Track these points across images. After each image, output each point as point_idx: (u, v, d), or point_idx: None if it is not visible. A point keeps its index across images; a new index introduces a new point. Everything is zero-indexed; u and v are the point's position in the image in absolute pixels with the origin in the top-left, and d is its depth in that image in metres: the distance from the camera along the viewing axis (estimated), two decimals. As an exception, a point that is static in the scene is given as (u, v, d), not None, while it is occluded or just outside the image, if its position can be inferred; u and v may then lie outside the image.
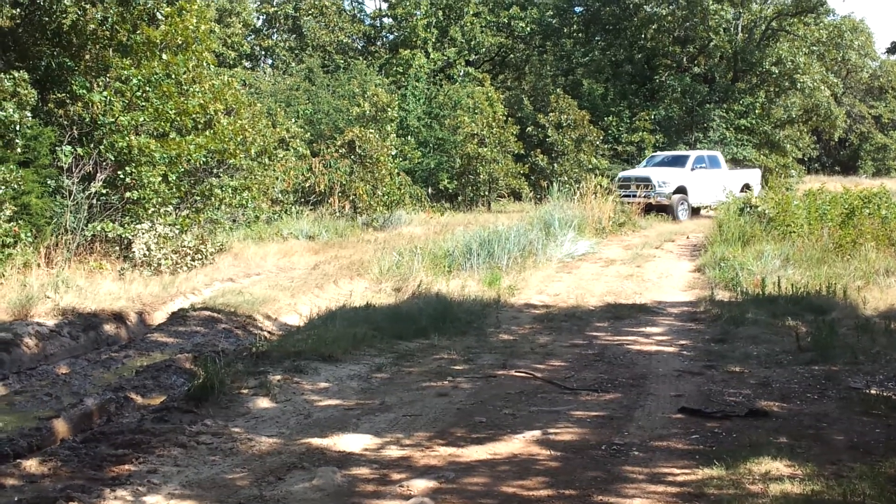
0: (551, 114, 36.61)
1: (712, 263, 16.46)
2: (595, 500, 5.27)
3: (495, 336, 11.10)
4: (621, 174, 30.71)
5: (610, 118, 39.24)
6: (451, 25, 43.30)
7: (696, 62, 43.42)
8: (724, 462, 5.71)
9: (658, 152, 34.79)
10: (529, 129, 37.75)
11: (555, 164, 35.56)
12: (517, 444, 6.44)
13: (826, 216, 18.53)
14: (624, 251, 19.73)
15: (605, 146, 37.88)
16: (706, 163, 30.03)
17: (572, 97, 37.60)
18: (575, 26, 45.71)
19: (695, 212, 29.37)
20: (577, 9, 45.62)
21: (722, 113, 40.22)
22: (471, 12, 43.50)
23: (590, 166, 35.10)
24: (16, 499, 5.37)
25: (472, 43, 43.83)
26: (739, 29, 41.34)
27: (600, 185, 26.06)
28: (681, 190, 28.53)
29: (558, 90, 38.64)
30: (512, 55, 47.64)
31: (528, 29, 44.84)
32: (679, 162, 30.04)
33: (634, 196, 27.61)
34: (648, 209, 27.62)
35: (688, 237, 22.64)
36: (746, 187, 29.09)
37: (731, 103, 40.68)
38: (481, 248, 16.81)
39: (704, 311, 12.42)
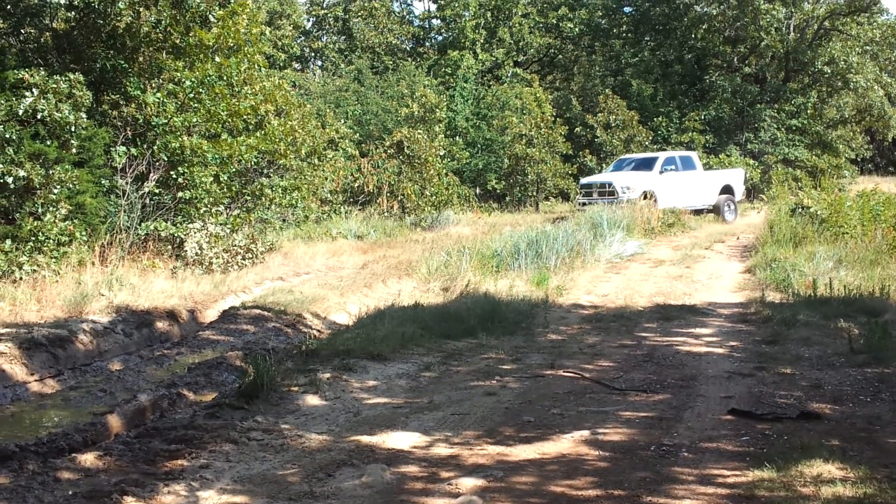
0: (600, 114, 36.48)
1: (763, 264, 16.30)
2: (644, 500, 5.25)
3: (543, 336, 11.09)
4: (583, 180, 29.09)
5: (659, 118, 38.99)
6: (499, 26, 43.27)
7: (746, 62, 42.96)
8: (774, 464, 5.66)
9: (628, 155, 32.41)
10: (578, 129, 37.65)
11: (603, 165, 35.39)
12: (565, 444, 6.44)
13: (879, 217, 18.27)
14: (673, 252, 19.60)
15: (655, 146, 37.64)
16: (677, 165, 27.67)
17: (621, 97, 37.44)
18: (624, 26, 45.48)
19: None
20: (627, 9, 45.40)
21: (773, 113, 39.78)
22: (519, 13, 43.46)
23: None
24: (71, 492, 5.46)
25: (521, 44, 43.78)
26: (791, 28, 40.83)
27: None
28: (648, 196, 25.97)
29: (607, 90, 38.48)
30: (560, 56, 47.51)
31: (577, 29, 44.67)
32: (647, 165, 27.86)
33: (596, 203, 25.69)
34: None
35: (738, 238, 22.44)
36: (727, 190, 28.16)
37: (782, 103, 40.22)
38: (529, 249, 16.80)
39: (755, 312, 12.30)
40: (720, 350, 10.02)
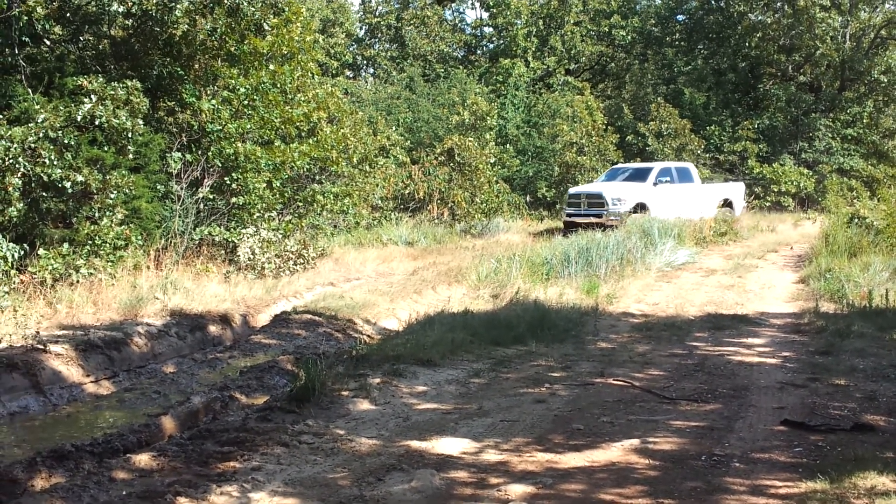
0: (652, 122, 36.25)
1: (817, 275, 16.10)
2: (694, 509, 5.23)
3: (593, 344, 11.05)
4: (571, 190, 27.47)
5: (712, 127, 38.62)
6: (551, 34, 43.18)
7: (801, 71, 42.41)
8: (827, 476, 5.61)
9: (621, 164, 30.96)
10: (629, 137, 37.43)
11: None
12: (615, 452, 6.43)
13: (938, 228, 17.96)
14: (725, 261, 19.42)
15: (707, 155, 37.30)
16: (673, 176, 26.18)
17: (673, 106, 37.17)
18: (677, 34, 45.15)
19: None
20: (680, 17, 45.06)
21: (828, 122, 39.21)
22: (571, 21, 43.32)
23: (692, 176, 34.62)
24: (125, 492, 5.55)
25: (573, 52, 43.63)
26: (847, 37, 40.23)
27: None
28: (640, 208, 24.60)
29: (659, 99, 38.23)
30: (612, 64, 47.30)
31: (629, 37, 44.43)
32: (641, 176, 26.22)
33: (583, 215, 24.77)
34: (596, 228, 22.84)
35: (791, 248, 22.18)
36: (727, 203, 26.96)
37: (837, 112, 39.63)
38: (579, 257, 16.76)
39: (808, 322, 12.16)
40: (773, 360, 9.93)
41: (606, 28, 44.39)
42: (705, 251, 21.22)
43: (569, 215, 25.62)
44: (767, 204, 35.03)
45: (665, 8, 44.81)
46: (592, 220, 24.03)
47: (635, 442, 6.65)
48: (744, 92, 42.14)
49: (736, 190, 28.04)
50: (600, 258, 16.77)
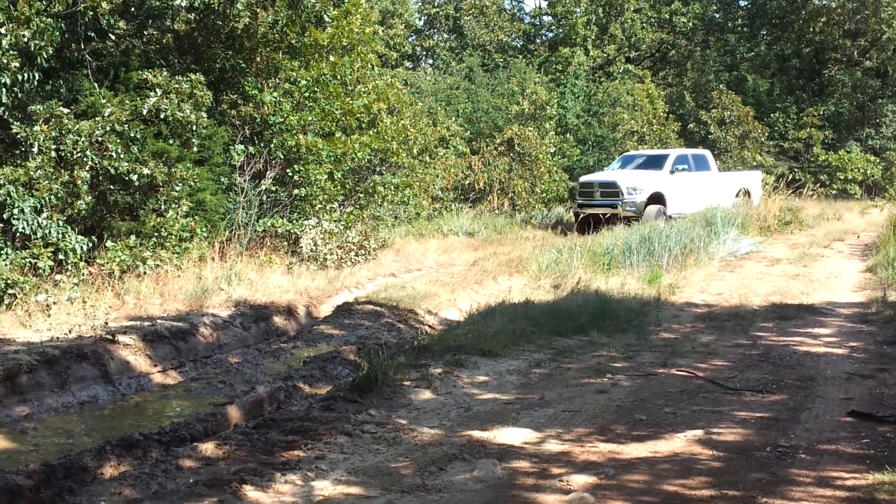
0: (714, 110, 35.84)
1: (885, 263, 15.79)
2: (759, 501, 5.17)
3: (655, 334, 10.99)
4: (582, 178, 26.06)
5: (776, 114, 38.08)
6: (611, 22, 42.85)
7: (867, 55, 41.60)
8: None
9: (633, 151, 29.64)
10: (691, 125, 37.06)
11: (718, 162, 34.76)
12: (678, 443, 6.39)
13: None
14: (790, 250, 19.15)
15: (771, 143, 36.81)
16: (690, 164, 24.89)
17: (736, 93, 36.72)
18: (739, 20, 44.54)
19: None
20: (742, 2, 44.48)
21: (895, 108, 38.44)
22: (631, 8, 42.94)
23: (754, 163, 34.20)
24: (192, 480, 5.65)
25: (633, 39, 43.26)
26: (915, 20, 39.42)
27: (765, 183, 25.26)
28: (656, 198, 23.52)
29: (721, 86, 37.79)
30: (673, 51, 46.80)
31: (691, 24, 43.93)
32: (656, 163, 24.88)
33: (597, 205, 23.74)
34: (611, 220, 22.43)
35: (858, 236, 21.81)
36: (744, 193, 25.74)
37: (905, 98, 38.88)
38: (641, 246, 16.65)
39: (876, 312, 11.97)
40: (839, 350, 9.79)
41: (667, 15, 43.92)
42: (769, 240, 20.94)
43: (580, 205, 24.61)
44: (833, 192, 34.48)
45: (727, -7, 44.25)
46: (606, 210, 23.18)
47: (699, 433, 6.60)
48: (808, 78, 41.46)
49: (753, 179, 26.90)
50: (663, 248, 16.64)
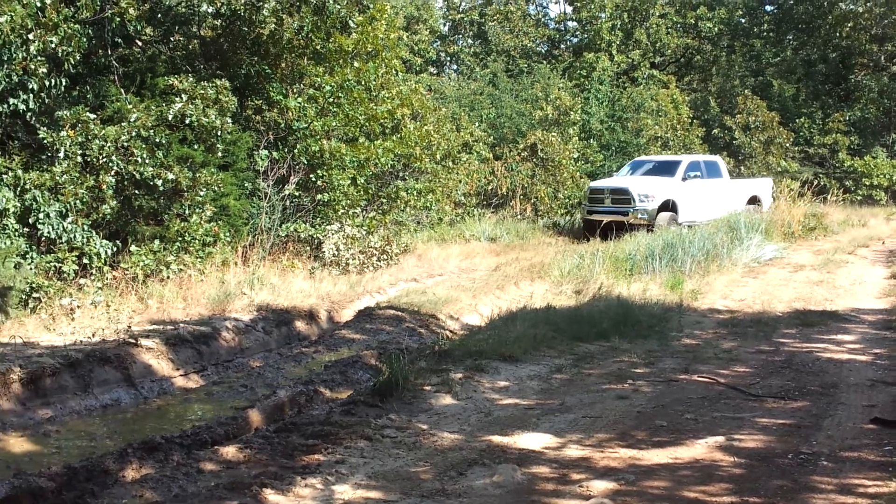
0: (739, 116, 35.67)
1: (910, 270, 15.70)
2: (779, 508, 5.17)
3: (677, 340, 10.95)
4: (592, 184, 25.25)
5: (801, 120, 37.85)
6: (636, 28, 42.74)
7: (894, 61, 41.27)
8: (918, 476, 5.50)
9: (641, 157, 28.72)
10: (716, 131, 36.91)
11: (742, 167, 34.60)
12: (699, 450, 6.37)
13: None
14: (814, 256, 19.03)
15: (796, 148, 36.58)
16: (702, 171, 24.25)
17: (761, 98, 36.52)
18: (765, 25, 44.32)
19: None
20: (768, 7, 44.26)
21: (923, 114, 38.19)
22: (656, 14, 42.82)
23: (779, 169, 34.01)
24: (213, 483, 5.69)
25: (658, 45, 43.12)
26: (942, 26, 39.11)
27: (790, 189, 25.10)
28: (668, 205, 22.91)
29: (746, 91, 37.59)
30: (698, 56, 46.60)
31: (716, 29, 43.74)
32: (667, 169, 24.19)
33: (607, 212, 22.93)
34: (621, 228, 21.47)
35: (883, 242, 21.65)
36: (755, 200, 25.17)
37: (932, 103, 38.54)
38: (664, 252, 16.58)
39: (901, 319, 11.89)
40: (863, 357, 9.73)
41: (692, 20, 43.77)
42: (793, 246, 20.80)
43: (589, 212, 23.76)
44: (859, 198, 34.21)
45: (753, -2, 44.03)
46: (617, 217, 22.38)
47: (720, 439, 6.58)
48: (834, 83, 41.19)
49: (764, 186, 26.30)
50: (685, 254, 16.57)
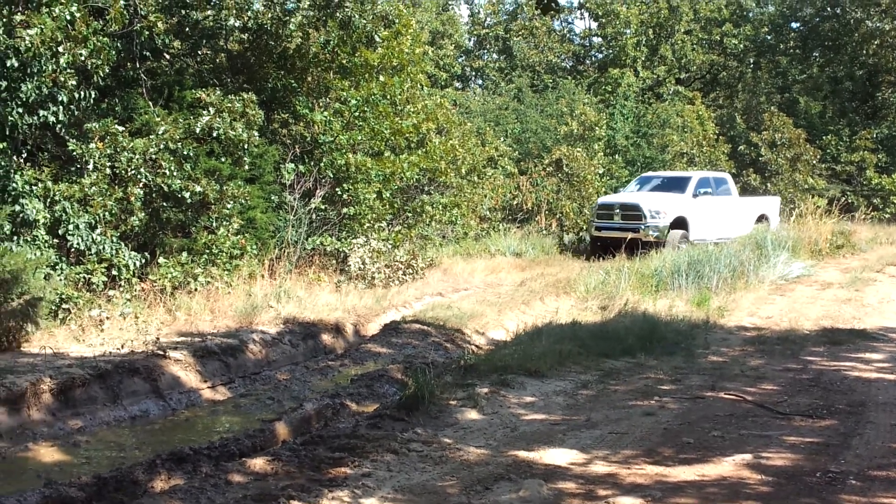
0: (765, 132, 35.52)
1: (940, 289, 15.56)
2: (808, 527, 5.14)
3: (704, 357, 10.91)
4: (601, 200, 24.53)
5: (828, 137, 37.63)
6: (661, 44, 42.69)
7: (922, 78, 41.05)
8: (948, 496, 5.46)
9: (649, 172, 28.13)
10: (741, 147, 36.76)
11: (768, 184, 34.42)
12: (726, 467, 6.34)
13: None
14: (842, 274, 18.88)
15: (823, 165, 36.36)
16: (712, 187, 23.65)
17: (787, 115, 36.36)
18: (791, 42, 44.14)
19: None
20: (794, 24, 44.05)
21: (951, 132, 37.83)
22: (682, 30, 42.74)
23: (805, 186, 33.81)
24: (241, 495, 5.71)
25: (683, 61, 43.05)
26: (971, 42, 38.78)
27: (817, 206, 24.94)
28: (680, 223, 22.31)
29: (773, 108, 37.44)
30: (724, 73, 46.49)
31: (742, 46, 43.62)
32: (677, 185, 23.60)
33: (616, 228, 22.39)
34: (627, 245, 20.38)
35: (913, 260, 21.45)
36: (763, 219, 24.65)
37: (960, 121, 38.23)
38: (690, 269, 16.52)
39: (930, 338, 11.79)
40: (892, 376, 9.66)
41: (718, 36, 43.67)
42: (821, 264, 20.64)
43: (598, 228, 23.18)
44: (887, 216, 33.93)
45: (779, 15, 43.83)
46: (626, 234, 21.54)
47: (747, 457, 6.55)
48: (861, 100, 40.94)
49: (771, 204, 25.87)
50: (712, 270, 16.50)
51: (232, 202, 14.40)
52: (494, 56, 46.34)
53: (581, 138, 30.91)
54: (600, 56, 45.55)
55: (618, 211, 22.85)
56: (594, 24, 46.05)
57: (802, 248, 21.15)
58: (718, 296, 15.39)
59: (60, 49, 11.95)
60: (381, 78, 18.97)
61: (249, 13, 16.09)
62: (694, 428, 7.46)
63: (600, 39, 45.52)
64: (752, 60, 44.79)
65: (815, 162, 35.11)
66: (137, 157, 13.28)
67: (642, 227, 21.96)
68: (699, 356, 10.96)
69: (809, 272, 18.79)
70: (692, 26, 43.41)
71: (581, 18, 48.48)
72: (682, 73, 44.07)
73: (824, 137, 37.46)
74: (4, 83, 11.41)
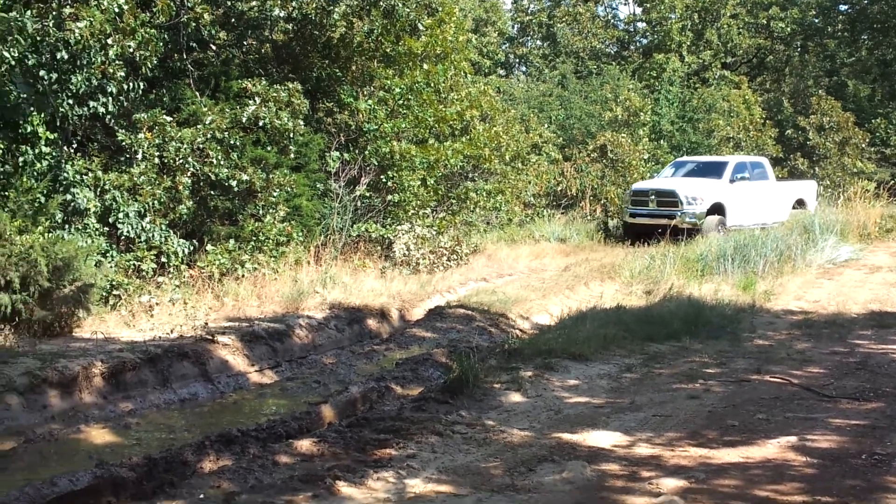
0: (813, 116, 35.09)
1: None
2: (852, 508, 5.13)
3: (749, 341, 10.85)
4: (635, 186, 23.93)
5: (877, 120, 37.10)
6: (706, 28, 42.28)
7: (973, 60, 40.29)
8: None
9: (685, 157, 27.46)
10: (789, 132, 36.36)
11: (816, 168, 34.01)
12: (771, 449, 6.33)
13: None
14: (891, 258, 18.64)
15: (872, 149, 35.85)
16: (749, 172, 23.08)
17: (836, 99, 35.88)
18: (839, 25, 43.51)
19: None
20: (842, 7, 43.41)
21: None
22: (728, 14, 42.29)
23: (854, 170, 33.36)
24: (288, 475, 5.80)
25: (729, 45, 42.60)
26: None
27: (866, 190, 24.60)
28: (716, 209, 21.81)
29: (821, 92, 36.96)
30: (771, 57, 45.92)
31: (789, 29, 43.06)
32: (714, 170, 23.07)
33: (652, 215, 22.03)
34: (663, 232, 20.44)
35: (963, 244, 21.13)
36: (800, 203, 24.19)
37: None
38: (736, 253, 16.41)
39: (981, 321, 11.63)
40: (941, 360, 9.57)
41: (764, 20, 43.16)
42: (870, 247, 20.38)
43: (632, 215, 22.71)
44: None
45: (826, -2, 43.29)
46: (662, 220, 21.29)
47: (792, 439, 6.53)
48: (911, 83, 40.32)
49: (809, 189, 25.32)
50: (758, 254, 16.38)
51: (278, 190, 14.54)
52: (538, 43, 46.16)
53: (626, 124, 30.74)
54: (645, 41, 45.23)
55: (653, 197, 22.36)
56: (639, 10, 45.75)
57: (850, 231, 20.91)
58: (765, 280, 15.28)
59: (109, 41, 12.11)
60: (425, 66, 19.01)
61: (294, 3, 16.18)
62: (739, 411, 7.44)
63: (645, 24, 45.20)
64: (799, 44, 44.21)
65: (863, 145, 34.62)
66: (185, 146, 13.45)
67: (678, 213, 21.47)
68: (745, 340, 10.91)
69: (858, 256, 18.59)
70: (738, 10, 42.92)
71: (625, 4, 48.29)
72: (728, 58, 43.61)
73: (873, 121, 36.94)
74: (55, 75, 11.59)
